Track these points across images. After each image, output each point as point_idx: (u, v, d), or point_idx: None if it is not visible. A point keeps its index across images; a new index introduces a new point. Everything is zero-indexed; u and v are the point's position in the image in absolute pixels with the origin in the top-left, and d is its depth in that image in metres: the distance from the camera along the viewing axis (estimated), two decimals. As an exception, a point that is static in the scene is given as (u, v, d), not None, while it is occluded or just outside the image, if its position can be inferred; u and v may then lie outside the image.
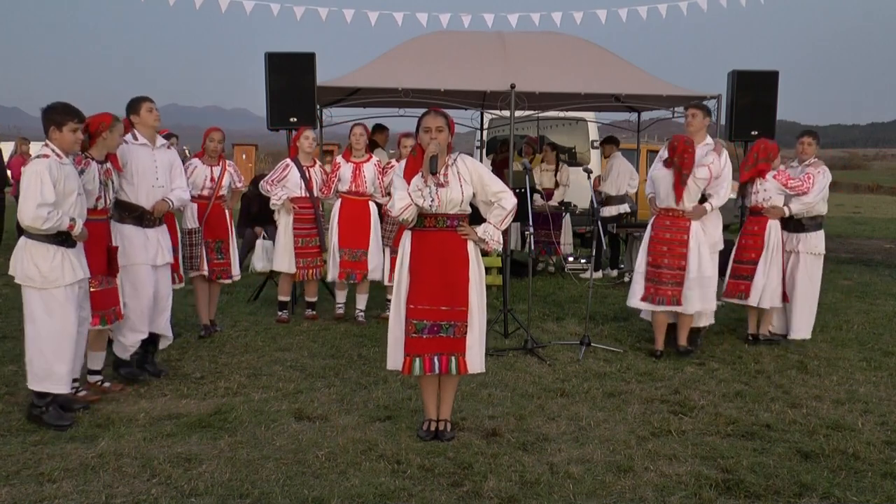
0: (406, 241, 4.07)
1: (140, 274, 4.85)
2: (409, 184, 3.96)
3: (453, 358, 3.98)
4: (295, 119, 7.09)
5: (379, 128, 9.25)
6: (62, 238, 4.13)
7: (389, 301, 6.93)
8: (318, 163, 6.99)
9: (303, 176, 6.73)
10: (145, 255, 4.88)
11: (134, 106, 5.01)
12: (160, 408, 4.53)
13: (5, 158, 11.48)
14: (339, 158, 6.87)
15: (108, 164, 4.64)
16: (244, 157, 29.89)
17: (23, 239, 4.15)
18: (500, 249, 4.23)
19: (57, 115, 4.16)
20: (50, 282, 4.10)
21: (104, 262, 4.54)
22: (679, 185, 5.71)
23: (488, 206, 4.05)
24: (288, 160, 6.83)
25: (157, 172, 4.98)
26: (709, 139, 5.97)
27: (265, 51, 7.24)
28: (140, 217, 4.89)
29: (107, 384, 4.82)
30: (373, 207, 6.85)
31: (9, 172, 11.01)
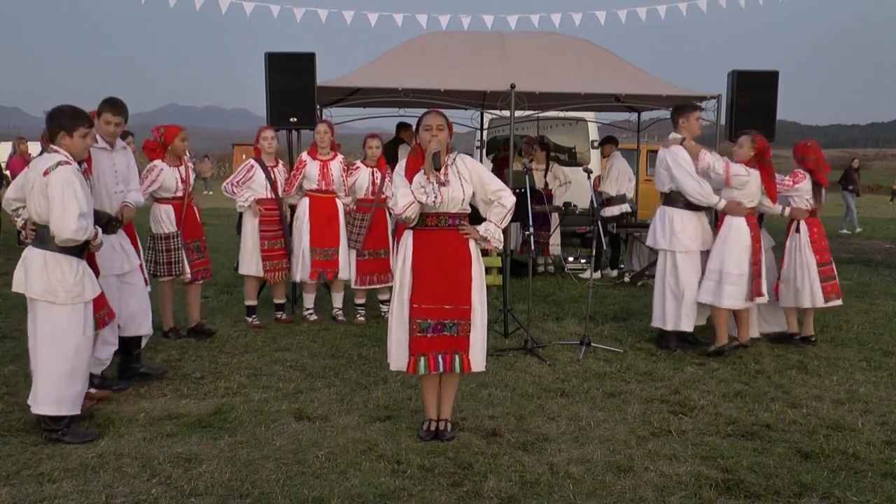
0: (408, 240, 4.08)
1: (108, 285, 4.64)
2: (411, 182, 3.97)
3: (457, 356, 3.99)
4: (295, 119, 7.08)
5: (404, 126, 9.26)
6: (80, 249, 3.99)
7: (359, 305, 6.89)
8: (281, 162, 6.88)
9: (268, 177, 6.59)
10: (111, 265, 4.73)
11: (100, 110, 4.76)
12: (160, 408, 4.53)
13: (4, 159, 11.50)
14: (304, 156, 6.73)
15: (85, 166, 4.48)
16: (244, 157, 29.86)
17: (39, 252, 3.92)
18: (501, 248, 4.25)
19: (67, 120, 3.98)
20: (74, 297, 3.94)
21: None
22: (773, 184, 5.87)
23: (488, 206, 4.07)
24: (252, 161, 6.67)
25: (116, 177, 4.85)
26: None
27: (265, 51, 7.23)
28: (106, 224, 4.69)
29: (93, 390, 4.65)
30: (339, 205, 6.76)
31: (7, 173, 11.02)
